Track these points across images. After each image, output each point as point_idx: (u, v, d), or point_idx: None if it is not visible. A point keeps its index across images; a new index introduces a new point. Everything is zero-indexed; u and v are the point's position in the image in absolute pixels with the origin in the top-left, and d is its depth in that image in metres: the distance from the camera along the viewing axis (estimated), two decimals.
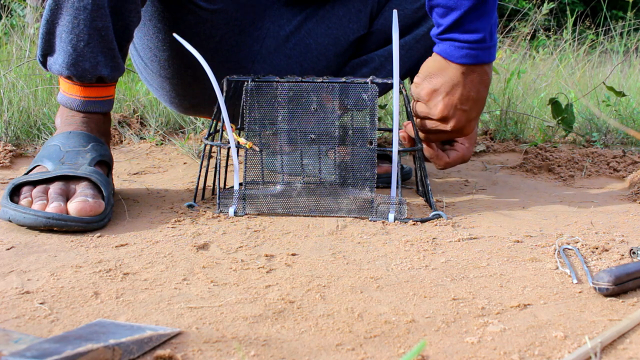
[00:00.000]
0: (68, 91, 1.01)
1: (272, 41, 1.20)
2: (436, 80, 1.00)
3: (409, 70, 1.25)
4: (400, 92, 1.02)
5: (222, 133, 1.07)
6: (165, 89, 1.23)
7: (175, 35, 1.01)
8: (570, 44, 2.89)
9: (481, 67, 1.00)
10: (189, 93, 1.22)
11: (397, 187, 0.99)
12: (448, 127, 1.02)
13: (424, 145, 1.08)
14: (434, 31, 1.00)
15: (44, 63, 1.00)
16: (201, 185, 1.11)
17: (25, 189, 0.92)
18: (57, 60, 0.98)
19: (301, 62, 1.23)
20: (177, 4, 1.09)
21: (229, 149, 1.03)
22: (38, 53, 1.00)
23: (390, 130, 1.28)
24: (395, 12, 0.93)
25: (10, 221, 0.89)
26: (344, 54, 1.26)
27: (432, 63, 1.02)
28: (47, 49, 0.99)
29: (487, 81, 1.02)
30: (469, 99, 1.01)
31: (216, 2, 1.10)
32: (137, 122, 1.71)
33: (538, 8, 2.82)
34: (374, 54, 1.26)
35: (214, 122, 1.07)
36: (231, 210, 0.99)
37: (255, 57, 1.20)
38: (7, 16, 2.60)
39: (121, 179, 1.24)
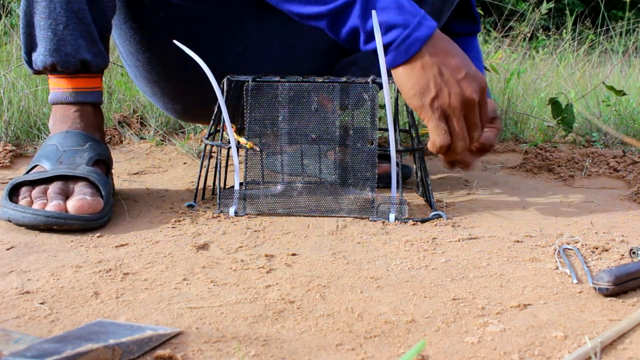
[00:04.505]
0: (57, 86, 1.02)
1: (255, 44, 1.19)
2: (427, 91, 0.91)
3: None
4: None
5: (222, 133, 1.07)
6: (157, 95, 1.23)
7: (175, 41, 1.02)
8: (570, 44, 2.89)
9: (432, 39, 0.92)
10: (179, 96, 1.22)
11: (397, 187, 0.99)
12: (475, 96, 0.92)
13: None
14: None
15: (29, 62, 1.01)
16: (201, 185, 1.11)
17: (24, 189, 0.92)
18: (40, 51, 0.99)
19: (288, 63, 1.21)
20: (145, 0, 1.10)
21: (229, 149, 1.03)
22: (23, 52, 1.01)
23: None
24: (374, 12, 0.89)
25: (9, 221, 0.89)
26: (331, 54, 1.25)
27: (405, 80, 0.92)
28: (30, 44, 1.00)
29: (446, 38, 0.93)
30: (456, 66, 0.92)
31: None
32: (137, 122, 1.71)
33: (537, 8, 2.82)
34: (362, 52, 1.25)
35: (214, 122, 1.07)
36: (231, 210, 0.99)
37: (241, 61, 1.19)
38: (6, 16, 2.59)
39: (121, 179, 1.24)
